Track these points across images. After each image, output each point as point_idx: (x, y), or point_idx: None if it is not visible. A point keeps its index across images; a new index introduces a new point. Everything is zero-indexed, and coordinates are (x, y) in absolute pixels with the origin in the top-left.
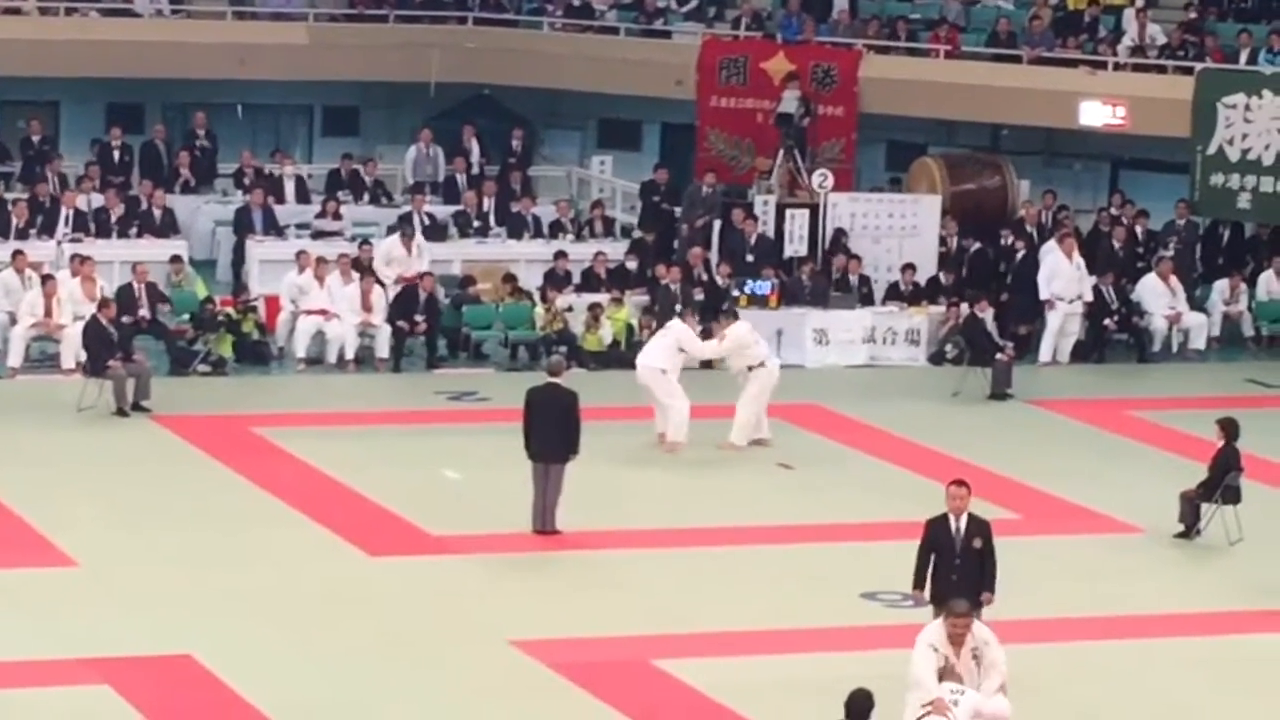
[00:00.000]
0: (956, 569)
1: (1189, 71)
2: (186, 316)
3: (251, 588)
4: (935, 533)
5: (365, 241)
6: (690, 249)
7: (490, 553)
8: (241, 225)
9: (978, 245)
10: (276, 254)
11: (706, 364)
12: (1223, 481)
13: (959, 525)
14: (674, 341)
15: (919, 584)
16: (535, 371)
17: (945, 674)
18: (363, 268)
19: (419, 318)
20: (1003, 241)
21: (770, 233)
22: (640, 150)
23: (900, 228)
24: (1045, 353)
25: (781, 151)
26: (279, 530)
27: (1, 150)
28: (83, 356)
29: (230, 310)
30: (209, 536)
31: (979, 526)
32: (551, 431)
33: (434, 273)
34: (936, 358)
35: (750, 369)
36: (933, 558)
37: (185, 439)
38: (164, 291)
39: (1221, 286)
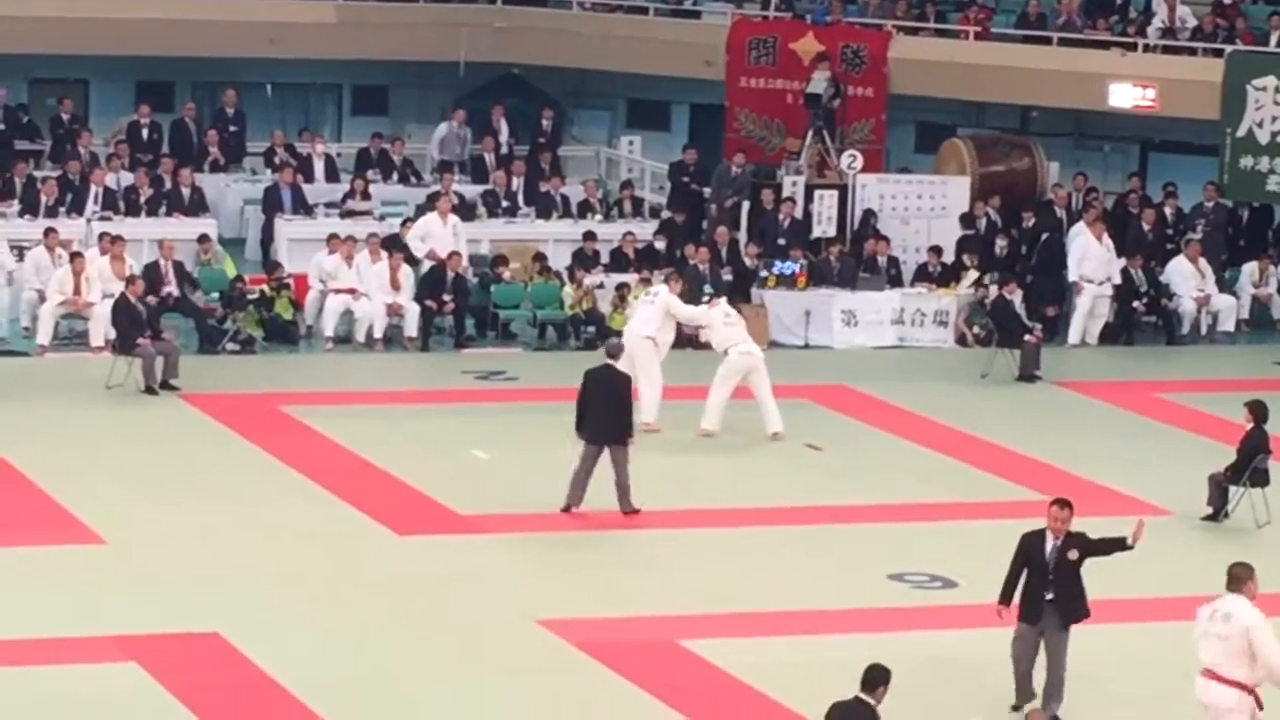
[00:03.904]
0: (1051, 585)
1: (1219, 54)
2: (216, 295)
3: (279, 566)
4: (1030, 549)
5: (406, 220)
6: (718, 229)
7: (518, 532)
8: (270, 204)
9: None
10: (305, 233)
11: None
12: (1251, 464)
13: (1054, 544)
14: (662, 307)
15: (1006, 599)
16: (564, 351)
17: None
18: (392, 245)
19: (447, 297)
20: (1024, 224)
21: (799, 214)
22: (669, 130)
23: (929, 209)
24: (1074, 335)
25: (811, 132)
26: (307, 509)
27: (31, 128)
28: (112, 334)
29: (264, 288)
30: (237, 515)
31: (1074, 539)
32: (605, 414)
33: (462, 252)
34: (961, 339)
35: (726, 352)
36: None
37: (214, 417)
38: (191, 271)
39: (1250, 269)
